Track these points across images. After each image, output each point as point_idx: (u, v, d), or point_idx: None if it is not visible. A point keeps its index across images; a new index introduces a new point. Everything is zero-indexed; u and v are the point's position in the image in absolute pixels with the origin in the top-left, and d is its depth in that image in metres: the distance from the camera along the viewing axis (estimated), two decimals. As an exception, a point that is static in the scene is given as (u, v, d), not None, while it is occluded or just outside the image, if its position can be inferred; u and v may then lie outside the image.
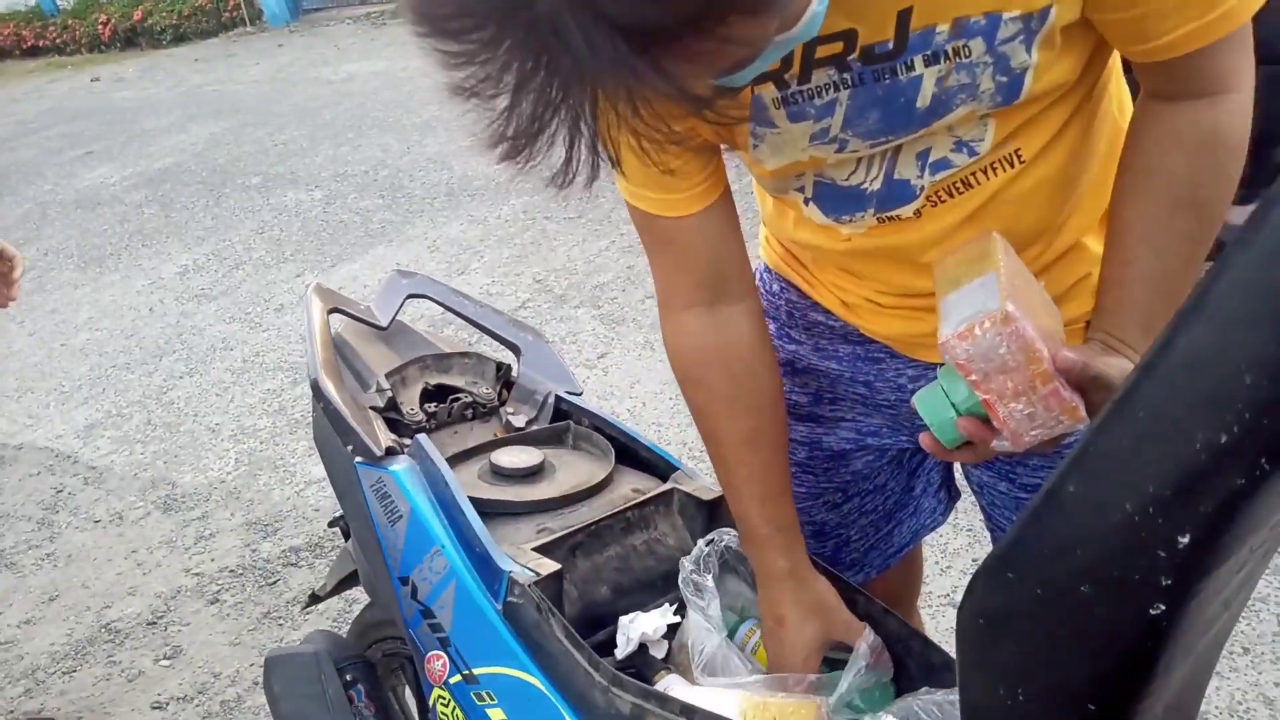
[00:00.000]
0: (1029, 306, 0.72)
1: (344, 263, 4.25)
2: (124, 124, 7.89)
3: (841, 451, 1.11)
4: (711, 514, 1.08)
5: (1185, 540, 0.50)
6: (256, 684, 2.06)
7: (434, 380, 1.26)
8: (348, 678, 1.30)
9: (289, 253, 4.48)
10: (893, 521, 1.19)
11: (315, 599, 1.49)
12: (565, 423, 1.23)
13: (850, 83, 0.76)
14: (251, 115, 7.36)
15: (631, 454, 1.18)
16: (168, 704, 2.06)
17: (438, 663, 0.97)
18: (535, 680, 0.91)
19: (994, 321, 0.69)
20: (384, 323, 1.34)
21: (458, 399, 1.25)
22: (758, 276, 1.08)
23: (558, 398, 1.25)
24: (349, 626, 1.41)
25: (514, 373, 1.30)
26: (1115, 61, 0.85)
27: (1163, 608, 0.52)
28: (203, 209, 5.32)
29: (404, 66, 8.15)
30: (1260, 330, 0.46)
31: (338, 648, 1.33)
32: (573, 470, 1.16)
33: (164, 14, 12.29)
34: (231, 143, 6.63)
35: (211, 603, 2.33)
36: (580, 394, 1.27)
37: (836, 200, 0.87)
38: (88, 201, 5.84)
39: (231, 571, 2.42)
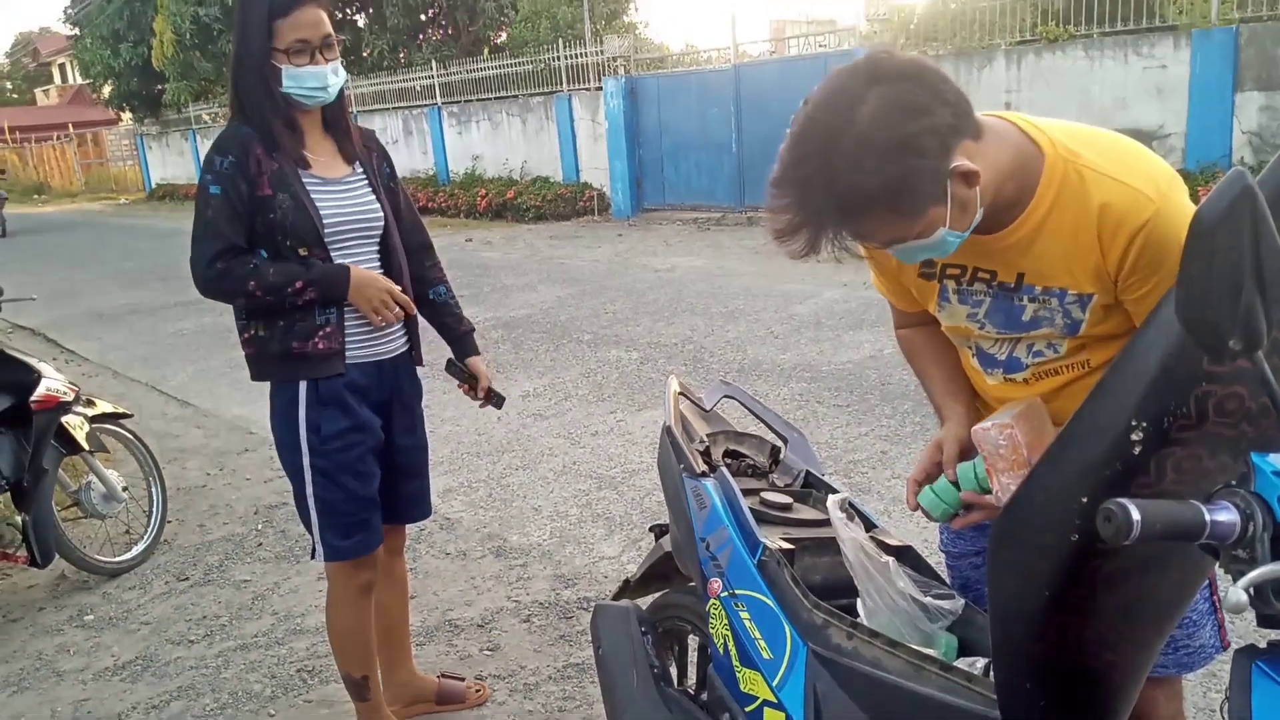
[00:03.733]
0: (1037, 432, 1.38)
1: (648, 409, 5.20)
2: (489, 278, 9.66)
3: (984, 524, 1.73)
4: (890, 553, 1.73)
5: (1085, 499, 1.15)
6: (551, 679, 2.81)
7: (732, 446, 2.03)
8: (642, 629, 2.02)
9: (607, 394, 5.52)
10: None
11: (627, 584, 2.24)
12: (810, 490, 1.94)
13: (990, 295, 1.46)
14: (590, 286, 8.83)
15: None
16: (486, 678, 2.85)
17: (716, 584, 1.68)
18: (769, 601, 1.60)
19: (1000, 427, 1.36)
20: (708, 407, 2.13)
21: (745, 459, 2.00)
22: None
23: (808, 473, 1.97)
24: (648, 605, 2.14)
25: (782, 454, 2.03)
26: None
27: (1076, 536, 1.16)
28: (544, 352, 6.59)
29: (719, 265, 9.43)
30: (1126, 403, 1.12)
31: (640, 613, 2.07)
32: (808, 514, 1.86)
33: (531, 196, 14.71)
34: (572, 305, 8.03)
35: (524, 621, 3.15)
36: (824, 476, 1.97)
37: (984, 358, 1.56)
38: (456, 333, 7.30)
39: (541, 604, 3.24)
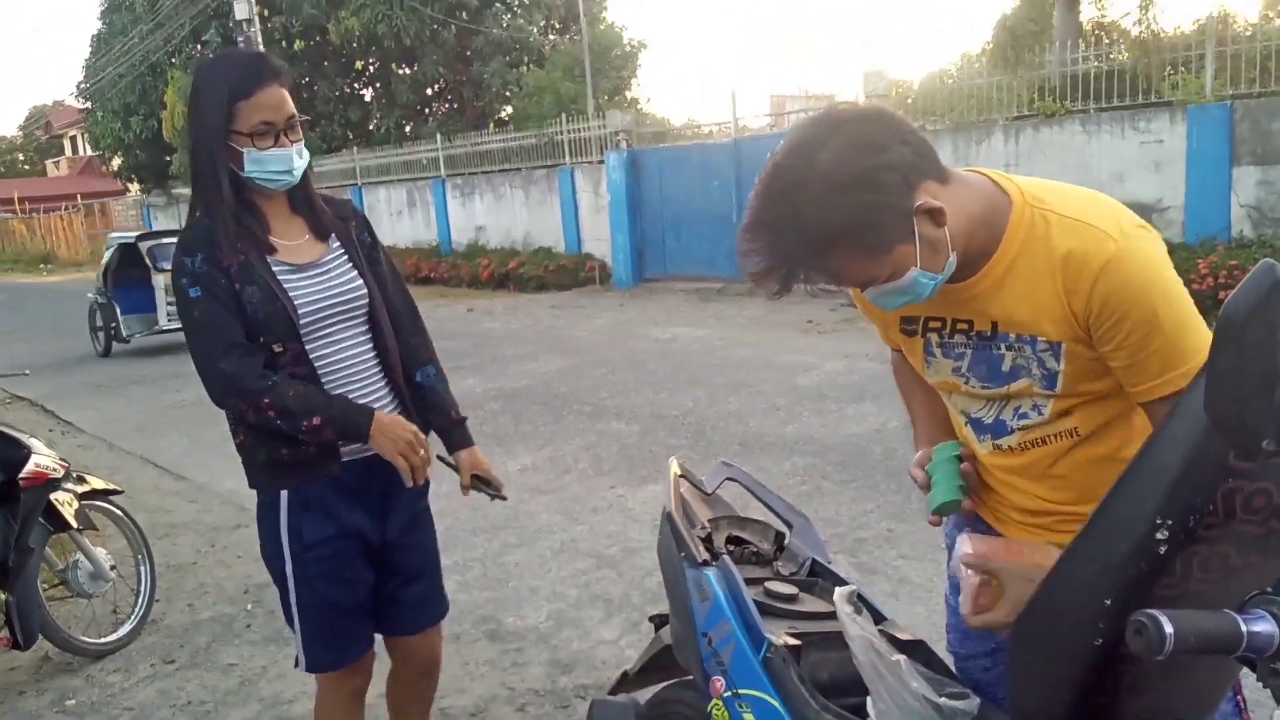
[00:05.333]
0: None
1: (648, 484, 5.11)
2: (490, 348, 9.64)
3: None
4: (901, 648, 1.65)
5: (1108, 601, 1.09)
6: (545, 770, 2.70)
7: (735, 532, 1.95)
8: (641, 726, 1.93)
9: (607, 469, 5.44)
10: None
11: (625, 676, 2.14)
12: (816, 579, 1.86)
13: (970, 346, 1.44)
14: (591, 357, 8.80)
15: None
16: (479, 770, 2.74)
17: (719, 683, 1.60)
18: (775, 702, 1.51)
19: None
20: (709, 491, 2.06)
21: (748, 546, 1.92)
22: None
23: (814, 561, 1.89)
24: (647, 699, 2.05)
25: (786, 540, 1.95)
26: None
27: (1100, 640, 1.10)
28: (544, 423, 6.52)
29: (721, 336, 9.42)
30: (1149, 501, 1.06)
31: (639, 709, 1.97)
32: (815, 606, 1.78)
33: (533, 266, 14.79)
34: (572, 376, 7.99)
35: (519, 710, 3.03)
36: (831, 563, 1.90)
37: (974, 424, 1.51)
38: (456, 405, 7.24)
39: (536, 692, 3.12)
